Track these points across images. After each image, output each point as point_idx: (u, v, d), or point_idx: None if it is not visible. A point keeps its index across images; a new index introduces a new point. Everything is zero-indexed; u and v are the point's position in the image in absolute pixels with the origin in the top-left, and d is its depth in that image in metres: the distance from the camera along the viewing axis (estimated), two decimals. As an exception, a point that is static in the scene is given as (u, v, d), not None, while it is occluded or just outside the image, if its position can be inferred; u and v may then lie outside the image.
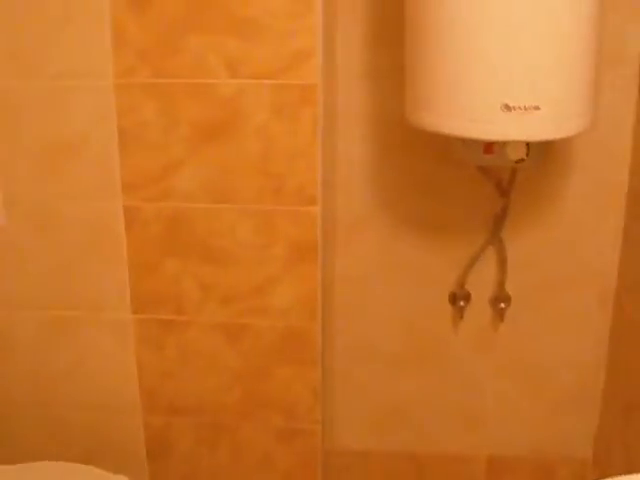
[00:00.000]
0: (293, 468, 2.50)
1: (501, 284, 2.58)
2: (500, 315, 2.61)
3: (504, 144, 2.16)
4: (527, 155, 2.18)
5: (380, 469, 2.83)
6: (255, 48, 2.07)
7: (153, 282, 2.31)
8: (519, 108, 1.94)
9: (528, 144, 2.16)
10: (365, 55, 2.38)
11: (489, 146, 2.22)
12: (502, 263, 2.55)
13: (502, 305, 2.60)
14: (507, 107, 1.93)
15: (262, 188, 2.21)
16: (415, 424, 2.78)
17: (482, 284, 2.59)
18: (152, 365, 2.41)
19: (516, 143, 2.14)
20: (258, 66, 2.09)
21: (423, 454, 2.82)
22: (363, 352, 2.69)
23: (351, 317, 2.63)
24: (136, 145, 2.18)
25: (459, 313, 2.62)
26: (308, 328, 2.34)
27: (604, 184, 2.47)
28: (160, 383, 2.43)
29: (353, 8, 2.32)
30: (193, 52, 2.09)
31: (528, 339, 2.66)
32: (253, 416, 2.45)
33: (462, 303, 2.60)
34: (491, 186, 2.46)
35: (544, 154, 2.35)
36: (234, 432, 2.48)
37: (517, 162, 2.20)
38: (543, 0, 1.89)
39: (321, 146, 2.18)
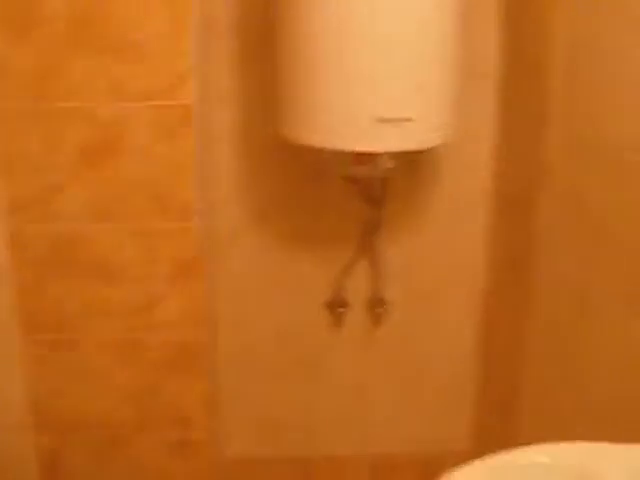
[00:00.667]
0: (190, 477, 2.54)
1: (376, 289, 2.69)
2: (377, 319, 2.73)
3: (375, 155, 2.25)
4: (397, 164, 2.28)
5: (271, 474, 2.89)
6: (135, 69, 2.14)
7: (41, 302, 2.34)
8: (393, 120, 2.05)
9: (399, 154, 2.25)
10: (237, 75, 2.47)
11: (361, 157, 2.30)
12: (377, 269, 2.67)
13: (379, 309, 2.70)
14: (381, 119, 2.05)
15: (145, 207, 2.27)
16: (302, 428, 2.87)
17: (359, 290, 2.70)
18: (42, 384, 2.42)
19: (387, 153, 2.24)
20: (138, 88, 2.15)
21: (311, 457, 2.91)
22: (248, 363, 2.76)
23: (234, 330, 2.71)
24: (20, 168, 2.22)
25: (338, 319, 2.71)
26: (195, 341, 2.40)
27: (470, 189, 2.62)
28: (51, 402, 2.44)
29: (225, 30, 2.40)
30: (75, 76, 2.14)
31: (405, 340, 2.78)
32: (146, 430, 2.49)
33: (340, 309, 2.70)
34: (361, 196, 2.56)
35: (413, 163, 2.47)
36: (128, 447, 2.51)
37: (387, 171, 2.30)
38: (411, 21, 2.03)
39: (199, 164, 2.25)
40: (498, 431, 2.57)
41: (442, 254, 2.67)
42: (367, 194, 2.53)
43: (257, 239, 2.61)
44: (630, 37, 1.69)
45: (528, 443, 1.42)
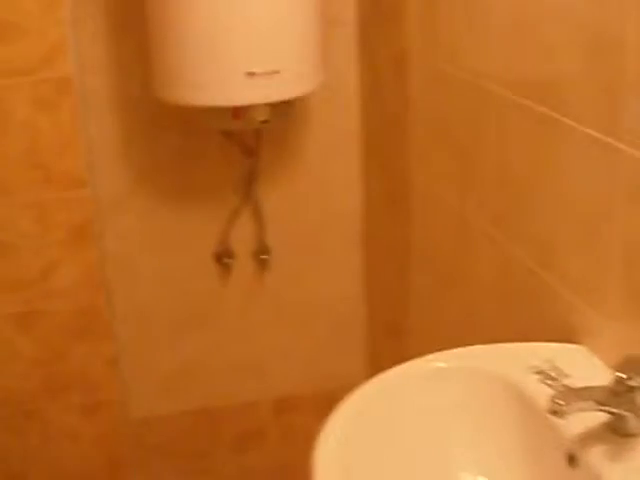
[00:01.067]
0: (100, 440, 2.63)
1: (261, 238, 2.80)
2: (263, 266, 2.84)
3: (249, 108, 2.34)
4: (271, 116, 2.38)
5: (178, 429, 2.99)
6: (11, 47, 2.20)
7: None
8: (261, 73, 2.16)
9: (271, 105, 2.35)
10: (112, 43, 2.52)
11: (237, 111, 2.40)
12: (259, 218, 2.78)
13: (264, 256, 2.82)
14: (251, 74, 2.16)
15: (33, 179, 2.33)
16: (203, 380, 2.96)
17: (244, 240, 2.81)
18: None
19: (261, 106, 2.33)
20: (16, 64, 2.21)
21: (215, 407, 3.00)
22: (143, 322, 2.83)
23: (127, 291, 2.77)
24: None
25: (226, 270, 2.82)
26: (95, 305, 2.48)
27: (340, 133, 2.75)
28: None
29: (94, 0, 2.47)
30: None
31: (292, 284, 2.90)
32: (56, 397, 2.56)
33: (227, 260, 2.80)
34: (239, 149, 2.67)
35: (285, 113, 2.58)
36: (40, 416, 2.57)
37: (263, 123, 2.41)
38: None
39: (83, 133, 2.33)
40: (391, 360, 2.71)
41: (320, 197, 2.80)
42: (244, 146, 2.64)
43: (142, 200, 2.68)
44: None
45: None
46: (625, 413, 1.30)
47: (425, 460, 1.50)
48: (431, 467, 1.49)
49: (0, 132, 2.26)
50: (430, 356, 1.58)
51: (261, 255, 2.83)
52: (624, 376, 1.27)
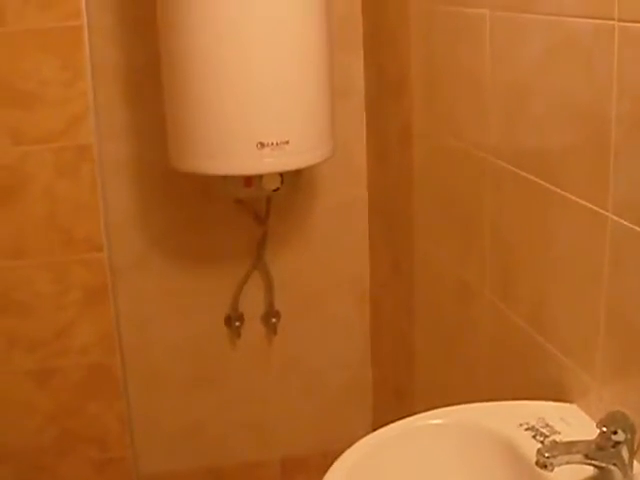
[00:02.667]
0: (111, 496, 2.70)
1: (270, 302, 2.89)
2: (273, 330, 2.92)
3: (261, 177, 2.45)
4: (282, 184, 2.48)
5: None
6: (35, 116, 2.31)
7: (-43, 339, 2.47)
8: (272, 144, 2.25)
9: (282, 174, 2.46)
10: (127, 110, 2.63)
11: (248, 180, 2.51)
12: (268, 283, 2.87)
13: (273, 320, 2.90)
14: (261, 144, 2.25)
15: (52, 241, 2.43)
16: (211, 439, 3.01)
17: (253, 304, 2.89)
18: (-34, 419, 2.55)
19: (271, 175, 2.43)
20: (39, 132, 2.33)
21: (222, 466, 3.06)
22: (155, 381, 2.89)
23: (139, 350, 2.84)
24: None
25: (236, 333, 2.90)
26: (109, 363, 2.57)
27: (347, 201, 2.85)
28: (-23, 436, 2.57)
29: (113, 72, 2.58)
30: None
31: (301, 347, 2.97)
32: (69, 452, 2.63)
33: (237, 324, 2.89)
34: (250, 216, 2.76)
35: (295, 182, 2.68)
36: (53, 471, 2.64)
37: (274, 191, 2.50)
38: (281, 52, 2.24)
39: (101, 198, 2.43)
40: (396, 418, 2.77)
41: (328, 262, 2.89)
42: (255, 212, 2.73)
43: (156, 263, 2.77)
44: (476, 51, 1.94)
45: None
46: (611, 467, 1.36)
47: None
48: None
49: (22, 196, 2.36)
50: (427, 413, 1.64)
51: (270, 319, 2.89)
52: (609, 430, 1.34)
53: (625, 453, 1.36)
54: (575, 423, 1.56)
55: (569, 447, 1.36)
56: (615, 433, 1.35)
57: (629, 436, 1.35)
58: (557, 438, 1.51)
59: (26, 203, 2.38)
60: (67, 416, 2.58)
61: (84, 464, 2.63)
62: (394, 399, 2.81)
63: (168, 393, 2.91)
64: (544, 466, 1.31)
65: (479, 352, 2.07)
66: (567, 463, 1.34)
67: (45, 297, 2.45)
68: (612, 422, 1.35)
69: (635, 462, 1.39)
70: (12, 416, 2.56)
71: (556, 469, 1.33)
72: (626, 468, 1.37)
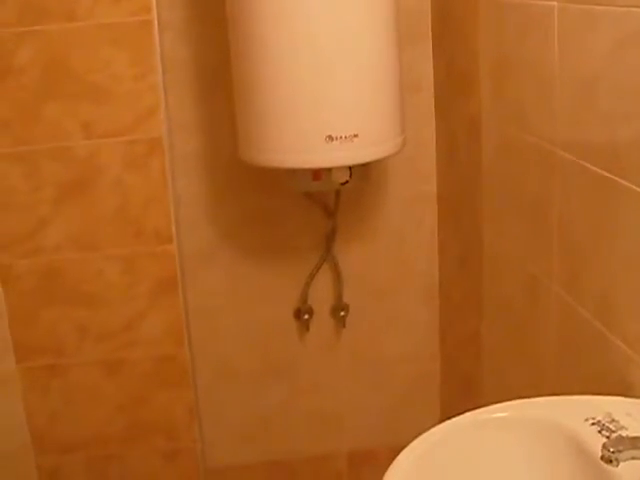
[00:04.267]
0: (179, 484, 2.73)
1: (339, 295, 2.89)
2: (342, 322, 2.93)
3: (330, 170, 2.45)
4: (350, 177, 2.49)
5: (255, 478, 3.07)
6: (107, 110, 2.35)
7: (33, 331, 2.52)
8: (340, 138, 2.26)
9: (351, 167, 2.46)
10: (197, 104, 2.66)
11: (317, 173, 2.52)
12: (337, 276, 2.88)
13: (342, 313, 2.91)
14: (330, 138, 2.25)
15: (122, 234, 2.47)
16: (279, 432, 3.03)
17: (322, 297, 2.90)
18: (40, 409, 2.60)
19: (340, 168, 2.44)
20: (109, 126, 2.36)
21: (291, 459, 3.07)
22: (223, 374, 2.92)
23: (209, 343, 2.87)
24: (4, 209, 2.41)
25: (305, 326, 2.91)
26: (178, 354, 2.59)
27: (416, 195, 2.84)
28: (49, 425, 2.61)
29: (183, 66, 2.61)
30: (50, 118, 2.35)
31: (369, 340, 2.98)
32: (137, 442, 2.66)
33: (306, 316, 2.90)
34: (319, 209, 2.78)
35: (364, 175, 2.68)
36: (122, 460, 2.68)
37: (342, 184, 2.51)
38: (350, 45, 2.23)
39: (171, 191, 2.46)
40: (464, 412, 2.76)
41: (396, 256, 2.89)
42: (324, 206, 2.74)
43: (225, 256, 2.79)
44: (544, 43, 1.92)
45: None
46: (677, 464, 1.35)
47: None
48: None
49: (93, 189, 2.40)
50: (492, 406, 1.64)
51: (338, 312, 2.90)
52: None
53: (691, 449, 1.34)
54: (642, 419, 1.53)
55: (635, 442, 1.35)
56: (682, 430, 1.33)
57: (696, 433, 1.34)
58: (623, 433, 1.49)
59: (97, 196, 2.42)
60: (136, 406, 2.61)
61: (152, 454, 2.67)
62: (462, 393, 2.81)
63: (236, 385, 2.94)
64: (609, 461, 1.30)
65: (546, 346, 2.06)
66: (633, 459, 1.32)
67: (115, 289, 2.49)
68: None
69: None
70: (82, 406, 2.60)
71: (622, 464, 1.32)
72: (691, 465, 1.35)
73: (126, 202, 2.42)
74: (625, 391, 1.65)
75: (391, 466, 1.47)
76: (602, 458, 1.30)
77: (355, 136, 2.27)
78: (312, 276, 2.84)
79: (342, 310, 2.90)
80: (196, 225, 2.74)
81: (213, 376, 2.90)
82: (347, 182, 2.49)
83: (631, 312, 1.63)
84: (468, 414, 1.61)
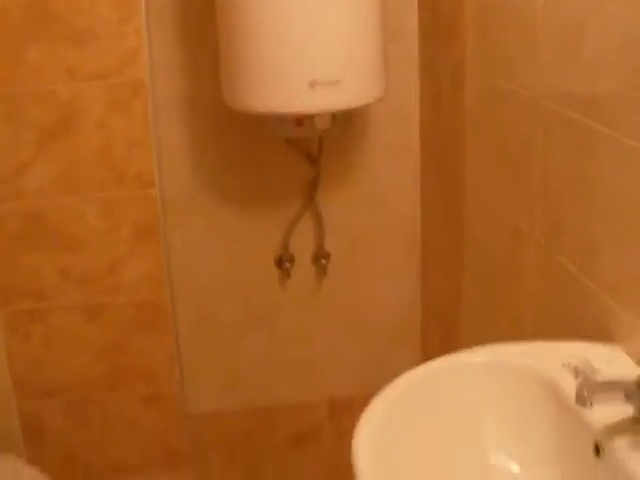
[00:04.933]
0: (160, 431, 2.74)
1: (320, 243, 2.90)
2: (323, 271, 2.94)
3: (312, 116, 2.45)
4: (333, 124, 2.48)
5: (234, 426, 3.09)
6: (89, 52, 2.33)
7: (14, 275, 2.51)
8: (323, 83, 2.25)
9: (333, 114, 2.45)
10: (181, 47, 2.64)
11: (299, 120, 2.51)
12: (319, 224, 2.88)
13: (323, 261, 2.92)
14: (313, 83, 2.24)
15: (104, 177, 2.46)
16: (260, 380, 3.05)
17: (304, 245, 2.90)
18: (20, 353, 2.60)
19: (323, 114, 2.43)
20: (93, 68, 2.35)
21: (272, 407, 3.09)
22: (204, 320, 2.93)
23: (190, 288, 2.87)
24: (-14, 151, 2.40)
25: (286, 273, 2.92)
26: (158, 299, 2.60)
27: (399, 144, 2.84)
28: (30, 369, 2.62)
29: (165, 9, 2.59)
30: (33, 61, 2.33)
31: (350, 289, 2.99)
32: (118, 387, 2.67)
33: (288, 264, 2.90)
34: (302, 157, 2.77)
35: (347, 123, 2.68)
36: (103, 405, 2.68)
37: (325, 131, 2.51)
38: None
39: (153, 134, 2.45)
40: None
41: (379, 205, 2.89)
42: (306, 153, 2.74)
43: (207, 202, 2.78)
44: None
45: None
46: (651, 408, 1.37)
47: (459, 445, 1.58)
48: (465, 452, 1.57)
49: (74, 132, 2.39)
50: (469, 350, 1.65)
51: (320, 260, 2.91)
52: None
53: (666, 395, 1.36)
54: (618, 365, 1.56)
55: (610, 386, 1.37)
56: (656, 374, 1.34)
57: (670, 377, 1.35)
58: (599, 379, 1.51)
59: (79, 139, 2.41)
60: (117, 351, 2.61)
61: (133, 399, 2.68)
62: (442, 343, 2.83)
63: (217, 332, 2.95)
64: (584, 403, 1.31)
65: (526, 295, 2.08)
66: (607, 402, 1.34)
67: (96, 233, 2.49)
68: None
69: (676, 405, 1.38)
70: (63, 351, 2.61)
71: (596, 407, 1.34)
72: (666, 410, 1.36)
73: (108, 145, 2.41)
74: (603, 338, 1.66)
75: (365, 410, 1.48)
76: (577, 400, 1.31)
77: (338, 82, 2.26)
78: (294, 224, 2.83)
79: (323, 258, 2.91)
80: (178, 171, 2.74)
81: (194, 323, 2.90)
82: (329, 130, 2.49)
83: (610, 260, 1.64)
84: (445, 358, 1.62)
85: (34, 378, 2.62)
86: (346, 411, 3.10)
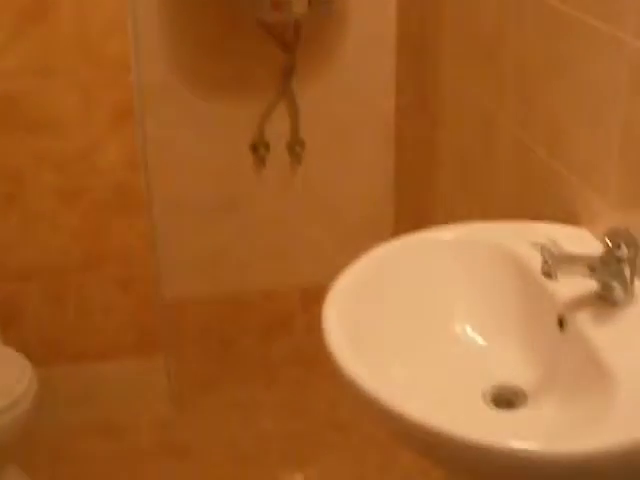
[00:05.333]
0: (134, 312, 2.78)
1: (295, 130, 2.91)
2: (297, 159, 2.96)
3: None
4: (309, 7, 2.49)
5: (208, 311, 3.14)
6: None
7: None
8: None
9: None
10: None
11: (276, 2, 2.50)
12: (294, 112, 2.89)
13: (298, 149, 2.94)
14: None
15: (81, 61, 2.45)
16: (233, 267, 3.09)
17: (279, 133, 2.91)
18: (-4, 235, 2.62)
19: (299, -2, 2.41)
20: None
21: (243, 293, 3.15)
22: (179, 206, 2.95)
23: (165, 173, 2.89)
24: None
25: (261, 160, 2.94)
26: (134, 183, 2.61)
27: (376, 34, 2.84)
28: (6, 252, 2.64)
29: None
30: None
31: (324, 178, 3.01)
32: (93, 270, 2.70)
33: (263, 151, 2.92)
34: (279, 44, 2.76)
35: (324, 9, 2.64)
36: (78, 288, 2.72)
37: (301, 16, 2.51)
38: None
39: (130, 19, 2.44)
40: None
41: (355, 95, 2.90)
42: (282, 40, 2.73)
43: (183, 87, 2.78)
44: None
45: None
46: (613, 283, 1.41)
47: (427, 318, 1.62)
48: (432, 323, 1.61)
49: (51, 14, 2.37)
50: (438, 228, 1.69)
51: (295, 147, 2.92)
52: (613, 244, 1.37)
53: (627, 271, 1.40)
54: (584, 244, 1.59)
55: (574, 259, 1.40)
56: (619, 248, 1.38)
57: (632, 253, 1.39)
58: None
59: (55, 21, 2.39)
60: (92, 235, 2.64)
61: (108, 282, 2.71)
62: (414, 230, 2.85)
63: (192, 217, 2.97)
64: (549, 275, 1.35)
65: (498, 182, 2.11)
66: (571, 274, 1.38)
67: (72, 117, 2.48)
68: (617, 236, 1.38)
69: (636, 281, 1.42)
70: (39, 234, 2.62)
71: (561, 281, 1.37)
72: (627, 285, 1.41)
73: (85, 29, 2.40)
74: (571, 220, 1.69)
75: (335, 282, 1.50)
76: (542, 271, 1.34)
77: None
78: (269, 111, 2.85)
79: (298, 146, 2.93)
80: (155, 56, 2.73)
81: (169, 208, 2.92)
82: (305, 15, 2.50)
83: (579, 144, 1.67)
84: (415, 235, 1.65)
85: (10, 261, 2.65)
86: (318, 300, 3.10)
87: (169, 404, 2.92)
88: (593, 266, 1.39)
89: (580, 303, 1.44)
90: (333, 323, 1.43)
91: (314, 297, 3.10)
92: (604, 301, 1.43)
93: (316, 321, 2.97)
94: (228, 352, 3.18)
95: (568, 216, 1.71)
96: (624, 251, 1.38)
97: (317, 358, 2.64)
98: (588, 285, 1.43)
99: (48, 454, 2.74)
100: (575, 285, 1.43)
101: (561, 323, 1.45)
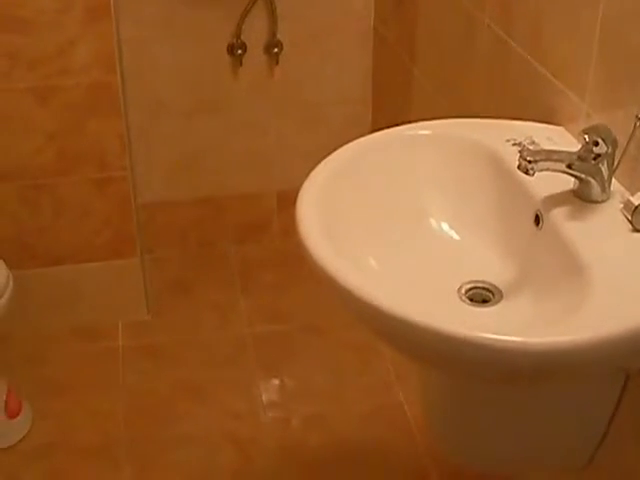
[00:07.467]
0: (110, 214, 2.76)
1: (272, 32, 2.88)
2: (275, 60, 2.93)
3: None
4: None
5: (184, 214, 3.15)
6: None
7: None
8: None
9: None
10: None
11: None
12: (272, 12, 2.85)
13: (275, 50, 2.91)
14: None
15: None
16: (210, 169, 3.09)
17: (256, 34, 2.89)
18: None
19: None
20: None
21: (221, 196, 3.15)
22: (155, 107, 2.94)
23: (141, 74, 2.86)
24: None
25: (238, 61, 2.91)
26: (109, 82, 2.57)
27: None
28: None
29: None
30: None
31: (302, 80, 3.00)
32: (69, 171, 2.67)
33: (239, 52, 2.89)
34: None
35: None
36: (53, 189, 2.69)
37: None
38: None
39: None
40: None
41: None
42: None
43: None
44: None
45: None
46: (590, 179, 1.41)
47: (402, 212, 1.62)
48: (406, 217, 1.61)
49: None
50: (417, 124, 1.68)
51: (272, 49, 2.90)
52: (591, 139, 1.37)
53: (605, 168, 1.40)
54: (561, 143, 1.59)
55: (551, 154, 1.40)
56: (596, 144, 1.37)
57: (610, 150, 1.38)
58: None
59: None
60: (67, 135, 2.60)
61: (84, 183, 2.68)
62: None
63: (168, 119, 2.96)
64: (525, 170, 1.34)
65: (477, 83, 2.10)
66: (548, 170, 1.37)
67: (46, 14, 2.43)
68: (595, 132, 1.38)
69: (613, 179, 1.42)
70: (12, 135, 2.58)
71: (537, 176, 1.37)
72: (604, 183, 1.41)
73: None
74: (549, 119, 1.69)
75: (310, 174, 1.49)
76: (519, 167, 1.34)
77: None
78: (247, 11, 2.82)
79: (276, 47, 2.90)
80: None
81: (145, 110, 2.91)
82: None
83: (557, 43, 1.66)
84: (390, 130, 1.64)
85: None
86: (294, 203, 3.12)
87: (145, 307, 2.92)
88: (570, 162, 1.38)
89: (557, 200, 1.44)
90: (308, 209, 1.42)
91: (291, 200, 3.12)
92: (581, 198, 1.43)
93: (293, 225, 3.00)
94: (204, 255, 3.19)
95: (547, 116, 1.70)
96: (602, 147, 1.38)
97: (294, 262, 2.68)
98: (565, 182, 1.43)
99: (24, 357, 2.76)
100: (552, 182, 1.43)
101: (537, 220, 1.45)
